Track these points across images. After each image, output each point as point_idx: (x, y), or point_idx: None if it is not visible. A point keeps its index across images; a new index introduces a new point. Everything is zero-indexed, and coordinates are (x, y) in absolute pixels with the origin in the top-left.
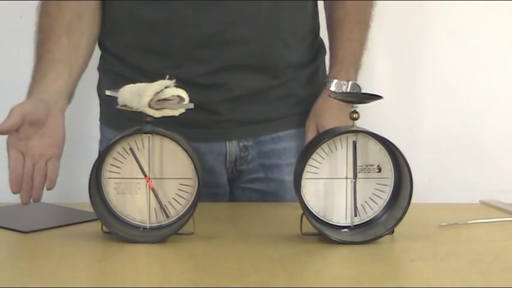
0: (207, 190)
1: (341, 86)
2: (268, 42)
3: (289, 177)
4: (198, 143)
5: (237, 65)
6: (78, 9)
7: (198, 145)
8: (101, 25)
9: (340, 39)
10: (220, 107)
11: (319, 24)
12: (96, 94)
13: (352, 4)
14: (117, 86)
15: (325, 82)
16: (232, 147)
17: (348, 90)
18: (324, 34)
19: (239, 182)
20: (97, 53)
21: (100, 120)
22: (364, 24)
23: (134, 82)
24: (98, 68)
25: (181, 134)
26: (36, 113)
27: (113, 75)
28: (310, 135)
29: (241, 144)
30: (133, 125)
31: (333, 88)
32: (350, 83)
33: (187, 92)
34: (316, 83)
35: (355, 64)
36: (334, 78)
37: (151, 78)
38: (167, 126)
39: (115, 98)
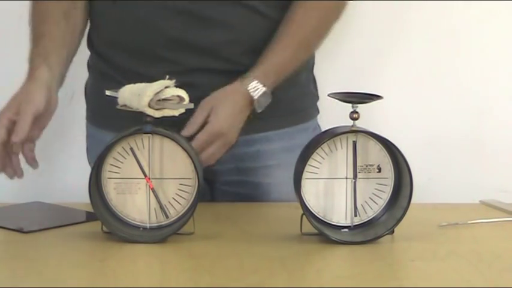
0: None
1: (255, 88)
2: (238, 48)
3: (265, 180)
4: None
5: (205, 68)
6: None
7: None
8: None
9: (280, 43)
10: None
11: None
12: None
13: (312, 18)
14: (97, 83)
15: (244, 76)
16: None
17: (256, 97)
18: None
19: (217, 184)
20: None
21: (87, 119)
22: (307, 44)
23: (110, 79)
24: (87, 66)
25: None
26: (43, 107)
27: (96, 72)
28: (191, 127)
29: None
30: (115, 123)
31: (245, 87)
32: (263, 90)
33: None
34: (297, 85)
35: (279, 75)
36: (253, 79)
37: (125, 74)
38: (137, 125)
39: (98, 96)
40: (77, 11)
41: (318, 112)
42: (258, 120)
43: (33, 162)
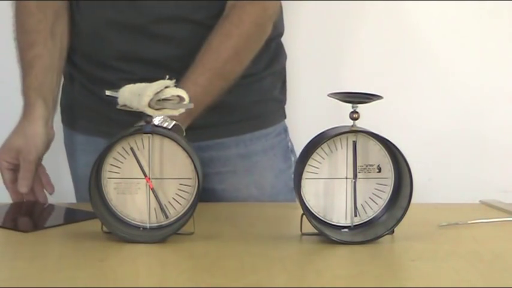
0: None
1: (164, 119)
2: (189, 62)
3: (220, 186)
4: None
5: (156, 79)
6: (56, 9)
7: None
8: None
9: (195, 72)
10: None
11: (273, 34)
12: None
13: (228, 48)
14: (66, 86)
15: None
16: None
17: (168, 126)
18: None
19: None
20: None
21: (62, 121)
22: (223, 73)
23: (76, 81)
24: None
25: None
26: (44, 149)
27: (65, 74)
28: None
29: None
30: (80, 123)
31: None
32: (173, 122)
33: None
34: (257, 91)
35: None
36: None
37: (88, 78)
38: (105, 127)
39: (66, 97)
40: (60, 23)
41: (285, 117)
42: (213, 126)
43: (49, 187)
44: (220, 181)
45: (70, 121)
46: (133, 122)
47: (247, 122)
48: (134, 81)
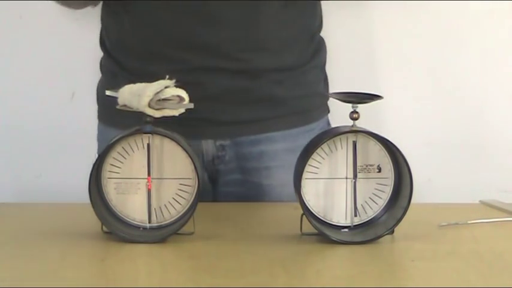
0: None
1: None
2: (246, 47)
3: (266, 181)
4: None
5: (211, 67)
6: None
7: None
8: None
9: None
10: (197, 105)
11: (317, 25)
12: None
13: None
14: (109, 84)
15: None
16: (208, 146)
17: None
18: (324, 33)
19: (218, 183)
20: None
21: (98, 118)
22: None
23: (121, 79)
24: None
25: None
26: None
27: (106, 72)
28: None
29: (217, 143)
30: (131, 122)
31: None
32: None
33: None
34: (304, 85)
35: None
36: None
37: (135, 74)
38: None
39: (111, 96)
40: None
41: (328, 111)
42: (263, 120)
43: None
44: (267, 176)
45: (109, 117)
46: (174, 118)
47: (295, 116)
48: (181, 73)
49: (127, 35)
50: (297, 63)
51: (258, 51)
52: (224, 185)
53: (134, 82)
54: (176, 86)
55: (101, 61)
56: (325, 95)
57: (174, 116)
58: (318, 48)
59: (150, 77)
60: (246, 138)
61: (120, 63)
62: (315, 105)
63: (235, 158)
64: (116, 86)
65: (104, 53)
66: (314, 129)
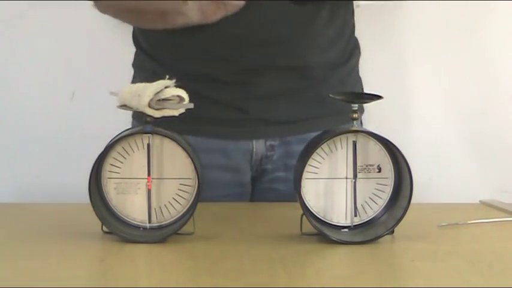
0: (231, 190)
1: None
2: (299, 44)
3: None
4: (225, 140)
5: (266, 66)
6: None
7: (226, 143)
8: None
9: None
10: (247, 105)
11: (354, 24)
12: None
13: None
14: (149, 82)
15: None
16: (259, 146)
17: None
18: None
19: (260, 182)
20: (131, 50)
21: (132, 116)
22: None
23: (162, 78)
24: (132, 65)
25: (209, 132)
26: None
27: (145, 71)
28: None
29: (268, 143)
30: (169, 121)
31: None
32: None
33: (215, 89)
34: (349, 85)
35: None
36: None
37: (180, 75)
38: (193, 125)
39: None
40: None
41: (363, 111)
42: (313, 119)
43: None
44: None
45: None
46: (225, 119)
47: (340, 115)
48: (235, 73)
49: (174, 35)
50: (339, 60)
51: (309, 49)
52: (266, 182)
53: (186, 84)
54: (176, 86)
55: (134, 61)
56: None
57: (173, 117)
58: (355, 46)
59: (204, 79)
60: (295, 137)
61: (164, 63)
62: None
63: (282, 156)
64: None
65: (139, 50)
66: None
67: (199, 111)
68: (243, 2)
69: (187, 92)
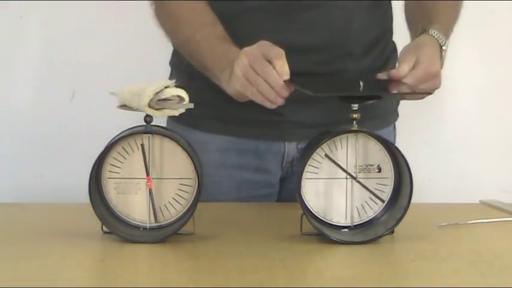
0: (260, 191)
1: (441, 40)
2: (335, 51)
3: None
4: (257, 141)
5: (302, 71)
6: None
7: (258, 144)
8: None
9: (445, 5)
10: (282, 108)
11: (391, 29)
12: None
13: None
14: (186, 84)
15: (427, 30)
16: (290, 148)
17: (444, 48)
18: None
19: (289, 182)
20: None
21: (170, 63)
22: (459, 9)
23: (197, 79)
24: (169, 63)
25: (243, 132)
26: None
27: (183, 72)
28: (406, 65)
29: (299, 146)
30: (204, 122)
31: (436, 36)
32: (446, 43)
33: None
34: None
35: (448, 35)
36: (437, 32)
37: None
38: (224, 125)
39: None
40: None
41: (398, 116)
42: (344, 123)
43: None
44: None
45: (187, 119)
46: (258, 120)
47: (373, 119)
48: None
49: None
50: (374, 67)
51: (346, 55)
52: (295, 182)
53: (214, 83)
54: (176, 86)
55: (172, 61)
56: (397, 101)
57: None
58: (391, 53)
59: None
60: None
61: None
62: (392, 108)
63: None
64: (193, 87)
65: (177, 51)
66: (386, 133)
67: (234, 112)
68: (282, 101)
69: (215, 94)
